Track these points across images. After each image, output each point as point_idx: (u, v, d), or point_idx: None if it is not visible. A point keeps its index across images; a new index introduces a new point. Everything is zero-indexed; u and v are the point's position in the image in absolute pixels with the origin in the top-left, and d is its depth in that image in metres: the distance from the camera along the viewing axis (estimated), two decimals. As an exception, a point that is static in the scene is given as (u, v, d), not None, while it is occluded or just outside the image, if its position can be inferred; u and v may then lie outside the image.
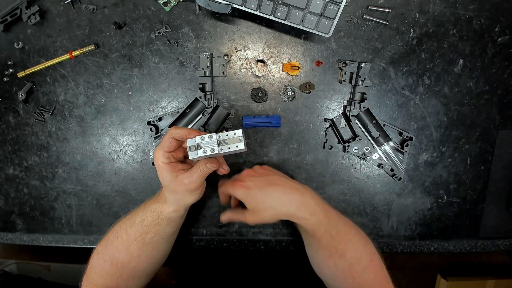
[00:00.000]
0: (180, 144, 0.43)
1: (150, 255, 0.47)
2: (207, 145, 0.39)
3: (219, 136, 0.39)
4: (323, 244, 0.44)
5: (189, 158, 0.40)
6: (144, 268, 0.48)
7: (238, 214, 0.48)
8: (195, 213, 0.59)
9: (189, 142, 0.40)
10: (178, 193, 0.44)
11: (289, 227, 0.59)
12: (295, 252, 0.60)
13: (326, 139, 0.56)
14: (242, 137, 0.39)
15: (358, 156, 0.56)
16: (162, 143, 0.43)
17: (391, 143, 0.55)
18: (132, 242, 0.45)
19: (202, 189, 0.46)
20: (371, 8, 0.51)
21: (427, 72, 0.54)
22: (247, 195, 0.45)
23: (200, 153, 0.39)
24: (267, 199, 0.44)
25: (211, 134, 0.39)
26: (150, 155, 0.56)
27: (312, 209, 0.44)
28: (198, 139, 0.39)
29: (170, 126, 0.55)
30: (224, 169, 0.46)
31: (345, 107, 0.55)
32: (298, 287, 0.68)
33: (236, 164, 0.57)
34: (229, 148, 0.39)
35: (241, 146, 0.39)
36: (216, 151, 0.39)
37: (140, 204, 0.49)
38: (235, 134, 0.39)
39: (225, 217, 0.50)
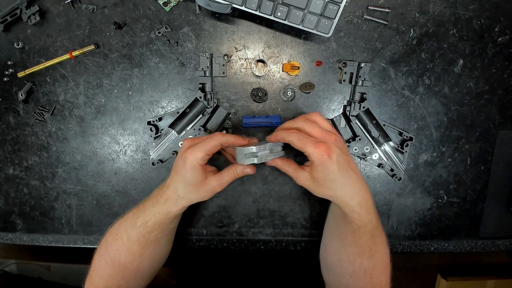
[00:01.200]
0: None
1: (153, 253, 0.47)
2: (262, 154, 0.44)
3: (271, 145, 0.45)
4: (360, 242, 0.43)
5: (245, 164, 0.44)
6: (147, 267, 0.48)
7: (290, 168, 0.44)
8: (195, 213, 0.59)
9: (246, 150, 0.43)
10: (200, 193, 0.44)
11: (289, 227, 0.59)
12: (295, 252, 0.60)
13: (326, 139, 0.56)
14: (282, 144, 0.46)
15: (358, 156, 0.56)
16: (204, 145, 0.42)
17: (391, 143, 0.55)
18: (134, 242, 0.45)
19: None
20: (371, 8, 0.51)
21: (427, 72, 0.54)
22: (324, 163, 0.39)
23: (255, 161, 0.43)
24: (339, 180, 0.40)
25: (266, 145, 0.44)
26: (150, 155, 0.56)
27: (370, 207, 0.42)
28: (254, 149, 0.43)
29: (170, 126, 0.55)
30: (252, 171, 0.47)
31: (345, 107, 0.55)
32: (298, 287, 0.68)
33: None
34: (274, 155, 0.45)
35: (282, 153, 0.46)
36: (269, 159, 0.45)
37: (137, 205, 0.48)
38: (278, 144, 0.46)
39: (276, 162, 0.46)
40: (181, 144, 0.55)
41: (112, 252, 0.46)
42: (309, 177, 0.42)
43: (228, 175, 0.43)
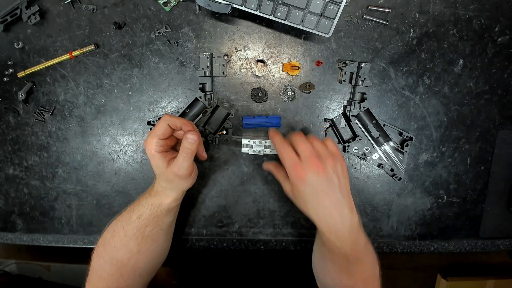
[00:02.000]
0: (173, 131, 0.43)
1: (150, 249, 0.47)
2: (256, 147, 0.53)
3: (266, 142, 0.53)
4: (337, 261, 0.44)
5: (241, 151, 0.54)
6: (145, 264, 0.48)
7: (280, 175, 0.48)
8: (195, 213, 0.59)
9: (244, 141, 0.53)
10: (173, 181, 0.44)
11: (289, 227, 0.59)
12: (295, 252, 0.60)
13: (326, 139, 0.56)
14: None
15: (358, 156, 0.56)
16: (155, 130, 0.42)
17: (391, 143, 0.55)
18: (131, 238, 0.45)
19: (194, 173, 0.46)
20: (371, 8, 0.51)
21: (427, 72, 0.54)
22: (297, 185, 0.42)
23: (250, 151, 0.53)
24: (310, 203, 0.42)
25: (261, 140, 0.53)
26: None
27: (341, 236, 0.42)
28: (251, 142, 0.53)
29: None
30: (203, 156, 0.48)
31: (345, 107, 0.55)
32: (298, 287, 0.68)
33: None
34: (271, 151, 0.53)
35: None
36: (262, 153, 0.53)
37: (133, 201, 0.49)
38: None
39: (268, 166, 0.51)
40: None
41: (110, 250, 0.46)
42: (290, 189, 0.45)
43: (181, 155, 0.42)
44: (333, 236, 0.42)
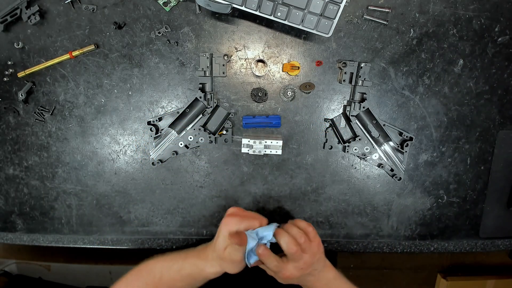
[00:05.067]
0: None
1: None
2: (257, 147, 0.54)
3: (266, 142, 0.54)
4: None
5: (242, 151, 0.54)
6: None
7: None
8: (195, 213, 0.59)
9: (244, 141, 0.54)
10: (224, 260, 0.45)
11: (289, 227, 0.59)
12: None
13: (326, 139, 0.56)
14: None
15: (358, 156, 0.56)
16: (249, 221, 0.45)
17: (391, 143, 0.55)
18: (163, 284, 0.47)
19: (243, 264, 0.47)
20: (371, 8, 0.51)
21: (427, 72, 0.54)
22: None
23: (250, 152, 0.55)
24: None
25: (261, 140, 0.54)
26: (150, 155, 0.56)
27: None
28: (251, 142, 0.54)
29: (170, 126, 0.55)
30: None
31: (345, 107, 0.55)
32: (298, 287, 0.68)
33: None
34: (271, 151, 0.54)
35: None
36: (262, 153, 0.55)
37: (182, 251, 0.50)
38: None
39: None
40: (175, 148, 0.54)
41: (142, 284, 0.48)
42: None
43: (241, 254, 0.45)
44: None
